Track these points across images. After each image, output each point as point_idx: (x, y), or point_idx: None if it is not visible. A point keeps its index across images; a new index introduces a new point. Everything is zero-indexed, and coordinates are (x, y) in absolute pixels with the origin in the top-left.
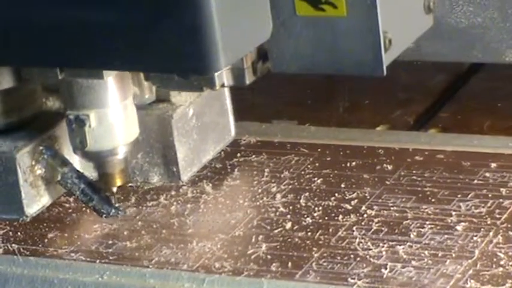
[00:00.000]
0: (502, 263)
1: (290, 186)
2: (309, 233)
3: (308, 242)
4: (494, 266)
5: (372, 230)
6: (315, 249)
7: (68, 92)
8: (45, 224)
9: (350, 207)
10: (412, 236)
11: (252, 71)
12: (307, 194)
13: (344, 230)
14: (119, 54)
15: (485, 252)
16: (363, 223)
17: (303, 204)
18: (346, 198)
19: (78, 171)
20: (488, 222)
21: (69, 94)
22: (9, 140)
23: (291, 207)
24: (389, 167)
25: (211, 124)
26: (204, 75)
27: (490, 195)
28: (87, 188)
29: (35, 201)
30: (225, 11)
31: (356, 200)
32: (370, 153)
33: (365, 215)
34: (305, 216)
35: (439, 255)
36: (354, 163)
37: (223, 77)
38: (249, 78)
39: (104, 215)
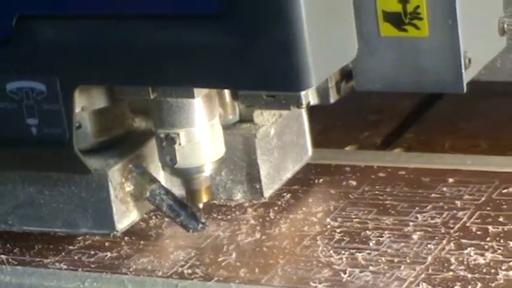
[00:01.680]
0: (452, 267)
1: (261, 202)
2: (276, 243)
3: (275, 250)
4: (445, 270)
5: (335, 239)
6: (281, 256)
7: (159, 111)
8: (32, 237)
9: (315, 220)
10: (371, 244)
11: (336, 90)
12: (276, 208)
13: (308, 240)
14: (214, 73)
15: (438, 258)
16: (326, 233)
17: (272, 217)
18: (313, 211)
19: (165, 188)
20: (442, 231)
21: (159, 113)
22: (100, 158)
23: (260, 220)
24: (354, 183)
25: (291, 144)
26: (296, 91)
27: (445, 207)
28: (174, 204)
29: (125, 216)
30: (316, 31)
31: (321, 213)
32: (337, 170)
33: (328, 226)
34: (273, 227)
35: (395, 261)
36: (321, 180)
37: (309, 96)
38: (333, 97)
39: (191, 230)
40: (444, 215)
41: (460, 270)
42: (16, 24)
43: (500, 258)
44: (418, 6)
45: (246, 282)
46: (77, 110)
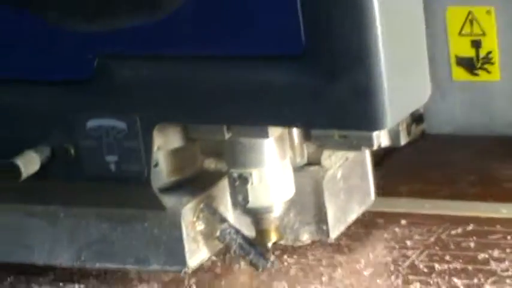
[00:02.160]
0: None
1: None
2: (235, 280)
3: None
4: None
5: (290, 274)
6: None
7: (232, 151)
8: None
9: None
10: (324, 279)
11: (407, 133)
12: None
13: (266, 276)
14: (292, 112)
15: None
16: (282, 269)
17: (233, 255)
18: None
19: (235, 227)
20: (392, 269)
21: (233, 153)
22: (173, 196)
23: (221, 257)
24: None
25: (355, 187)
26: (371, 131)
27: (396, 247)
28: (244, 243)
29: (196, 254)
30: (393, 75)
31: (279, 251)
32: None
33: (285, 263)
34: (233, 264)
35: None
36: None
37: (380, 137)
38: (403, 139)
39: (261, 269)
40: (394, 253)
41: None
42: (98, 64)
43: None
44: (490, 52)
45: None
46: (154, 149)
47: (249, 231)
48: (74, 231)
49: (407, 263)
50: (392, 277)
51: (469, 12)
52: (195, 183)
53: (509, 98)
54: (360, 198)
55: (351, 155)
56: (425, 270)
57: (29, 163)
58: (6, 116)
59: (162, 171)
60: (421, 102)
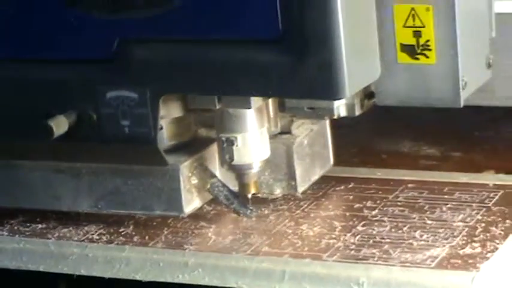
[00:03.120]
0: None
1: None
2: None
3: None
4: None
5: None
6: (165, 228)
7: (221, 119)
8: None
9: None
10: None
11: (360, 106)
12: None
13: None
14: (271, 85)
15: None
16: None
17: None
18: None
19: (222, 182)
20: (287, 214)
21: (222, 121)
22: (173, 156)
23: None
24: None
25: (318, 153)
26: (334, 99)
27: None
28: (229, 195)
29: (191, 203)
30: (351, 55)
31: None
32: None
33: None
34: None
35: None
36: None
37: (340, 109)
38: (358, 111)
39: (242, 215)
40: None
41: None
42: (117, 46)
43: (325, 231)
44: (428, 40)
45: (139, 245)
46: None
47: (233, 186)
48: (93, 184)
49: (300, 210)
50: (286, 220)
51: (412, 9)
52: (191, 146)
53: (443, 78)
54: (321, 163)
55: (315, 126)
56: (312, 215)
57: (59, 125)
58: (43, 88)
59: (165, 135)
60: (373, 79)
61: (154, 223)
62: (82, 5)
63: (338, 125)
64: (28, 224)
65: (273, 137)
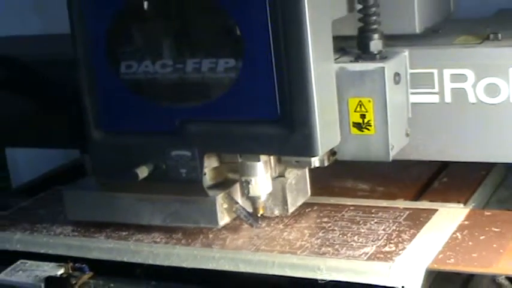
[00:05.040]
0: None
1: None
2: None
3: (197, 231)
4: None
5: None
6: (201, 235)
7: (242, 167)
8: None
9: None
10: (286, 227)
11: (327, 160)
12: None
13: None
14: (271, 147)
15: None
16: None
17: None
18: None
19: (242, 206)
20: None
21: (242, 168)
22: (212, 191)
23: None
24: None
25: (301, 188)
26: (312, 157)
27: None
28: (247, 214)
29: (222, 219)
30: (323, 131)
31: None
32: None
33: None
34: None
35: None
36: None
37: (316, 162)
38: (326, 163)
39: (254, 227)
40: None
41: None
42: (178, 124)
43: (299, 236)
44: (369, 120)
45: (185, 245)
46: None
47: (249, 208)
48: (162, 207)
49: (284, 224)
50: (277, 230)
51: (359, 101)
52: (223, 185)
53: (378, 144)
54: (302, 194)
55: (300, 172)
56: (291, 226)
57: (142, 172)
58: (132, 150)
59: (207, 178)
60: (335, 144)
61: (195, 232)
62: (153, 97)
63: (312, 171)
64: (117, 232)
65: (273, 178)
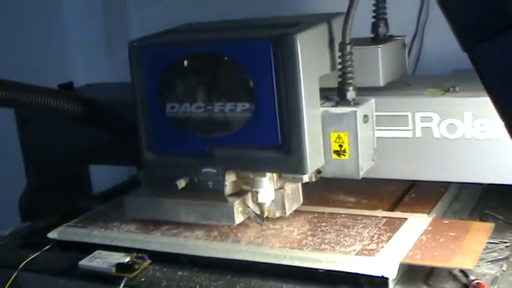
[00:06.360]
0: None
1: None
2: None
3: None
4: None
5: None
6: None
7: (253, 182)
8: None
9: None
10: (287, 225)
11: (315, 177)
12: (251, 216)
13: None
14: (274, 166)
15: None
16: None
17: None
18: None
19: (252, 209)
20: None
21: (253, 182)
22: (231, 198)
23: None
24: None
25: (295, 197)
26: (303, 174)
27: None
28: (256, 215)
29: (238, 219)
30: (311, 155)
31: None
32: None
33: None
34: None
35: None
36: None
37: (305, 178)
38: (314, 179)
39: (261, 226)
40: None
41: None
42: (208, 149)
43: (304, 237)
44: (345, 149)
45: (214, 240)
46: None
47: (257, 211)
48: (195, 209)
49: (291, 226)
50: (283, 228)
51: (338, 134)
52: (239, 194)
53: (352, 166)
54: (296, 202)
55: (295, 185)
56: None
57: (181, 184)
58: (174, 168)
59: (227, 189)
60: (320, 165)
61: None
62: (190, 129)
63: (305, 184)
64: (169, 230)
65: (275, 189)
